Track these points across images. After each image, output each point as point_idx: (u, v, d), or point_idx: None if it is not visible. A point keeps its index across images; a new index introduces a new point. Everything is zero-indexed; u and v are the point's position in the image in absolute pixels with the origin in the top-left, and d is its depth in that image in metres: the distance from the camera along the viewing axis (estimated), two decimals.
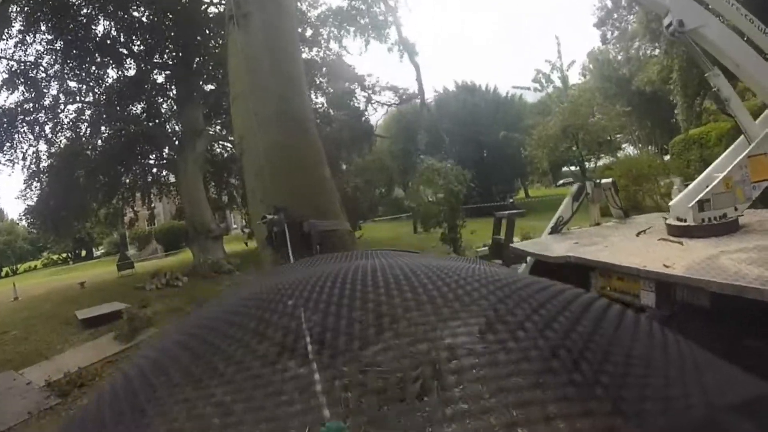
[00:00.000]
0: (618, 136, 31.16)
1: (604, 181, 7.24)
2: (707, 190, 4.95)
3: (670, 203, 5.74)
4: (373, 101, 16.05)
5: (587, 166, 28.77)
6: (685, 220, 5.01)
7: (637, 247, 4.99)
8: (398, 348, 0.53)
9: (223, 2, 13.61)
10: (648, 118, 28.95)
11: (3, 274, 45.20)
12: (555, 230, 6.65)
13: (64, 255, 47.12)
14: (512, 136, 26.26)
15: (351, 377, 0.50)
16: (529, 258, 6.29)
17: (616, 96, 27.30)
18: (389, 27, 17.45)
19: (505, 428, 0.41)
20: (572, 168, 46.58)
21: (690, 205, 4.94)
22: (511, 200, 27.34)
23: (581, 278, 4.92)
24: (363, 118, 17.65)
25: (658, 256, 4.25)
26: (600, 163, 29.61)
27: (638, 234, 5.64)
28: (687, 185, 5.86)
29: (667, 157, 21.02)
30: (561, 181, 49.99)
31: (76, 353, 9.98)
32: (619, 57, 30.55)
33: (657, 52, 30.67)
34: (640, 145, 30.72)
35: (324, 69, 18.17)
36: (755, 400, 0.47)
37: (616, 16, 31.15)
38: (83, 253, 47.54)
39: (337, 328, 0.57)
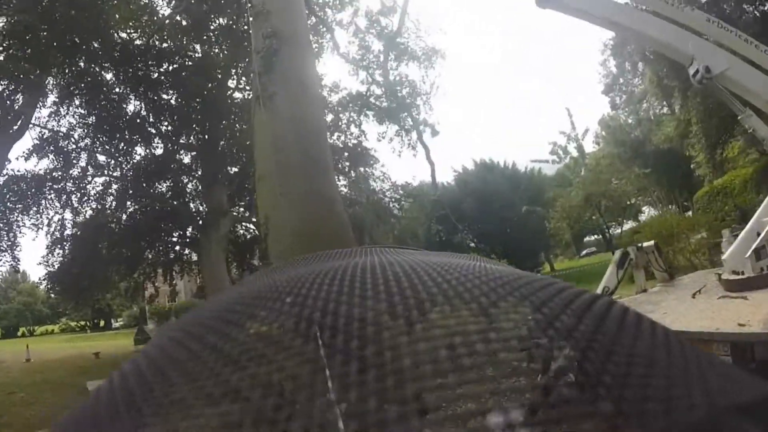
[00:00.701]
0: (639, 198, 30.79)
1: (646, 244, 6.80)
2: (761, 237, 4.64)
3: (723, 257, 5.37)
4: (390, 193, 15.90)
5: (611, 233, 28.31)
6: (743, 273, 4.63)
7: (700, 309, 4.55)
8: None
9: (248, 88, 14.14)
10: (665, 178, 28.64)
11: (20, 334, 44.92)
12: None
13: (83, 323, 46.83)
14: (534, 210, 25.94)
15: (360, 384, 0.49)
16: None
17: (631, 159, 27.13)
18: (406, 112, 17.72)
19: (505, 428, 0.40)
20: (594, 237, 45.98)
21: (746, 256, 4.59)
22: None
23: None
24: (383, 201, 17.47)
25: (727, 315, 3.91)
26: (624, 228, 29.03)
27: (694, 295, 5.14)
28: (736, 236, 5.44)
29: (688, 213, 20.42)
30: (584, 251, 49.14)
31: None
32: (630, 120, 30.74)
33: (666, 110, 31.03)
34: (660, 205, 30.15)
35: (345, 153, 18.32)
36: (759, 402, 0.44)
37: (622, 80, 31.62)
38: (102, 323, 47.26)
39: (344, 328, 0.53)
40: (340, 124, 18.39)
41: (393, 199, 13.19)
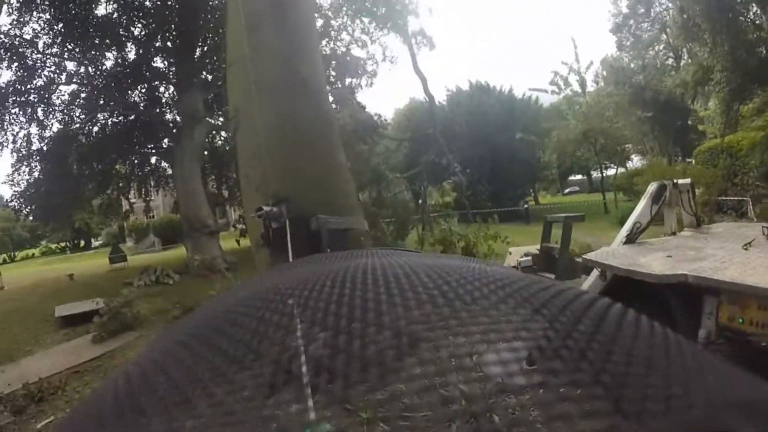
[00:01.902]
0: (628, 145, 29.87)
1: (681, 181, 5.79)
2: None
3: None
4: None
5: (602, 173, 27.48)
6: None
7: (763, 264, 3.60)
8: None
9: None
10: (660, 127, 27.62)
11: (0, 261, 43.88)
12: (631, 239, 5.20)
13: (62, 244, 45.73)
14: (528, 139, 24.55)
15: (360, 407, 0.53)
16: (596, 272, 4.88)
17: (629, 104, 25.91)
18: (406, 18, 15.87)
19: (507, 428, 0.43)
20: (579, 177, 45.45)
21: None
22: (525, 206, 25.72)
23: (690, 305, 3.55)
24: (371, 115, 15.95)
25: None
26: (608, 173, 28.33)
27: (745, 247, 4.23)
28: None
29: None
30: (568, 189, 48.73)
31: (44, 357, 8.48)
32: (632, 65, 29.19)
33: (671, 61, 29.55)
34: (650, 155, 29.29)
35: (333, 62, 16.66)
36: (757, 401, 0.45)
37: (632, 22, 29.84)
38: (81, 243, 46.15)
39: (345, 346, 0.52)
40: (329, 30, 16.54)
41: (377, 116, 11.95)
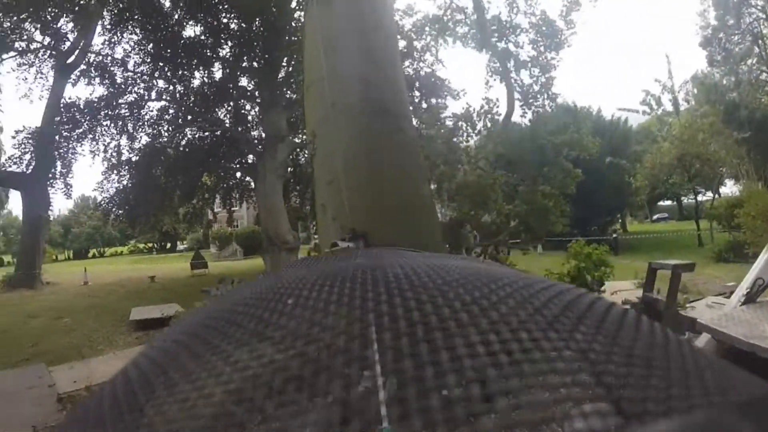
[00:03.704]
0: (722, 169, 27.08)
1: None
2: None
3: None
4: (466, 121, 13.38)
5: (696, 200, 24.83)
6: None
7: None
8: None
9: None
10: (756, 149, 24.60)
11: (90, 255, 47.63)
12: (751, 298, 4.23)
13: (150, 245, 48.81)
14: (619, 163, 22.60)
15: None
16: (706, 335, 4.00)
17: (723, 124, 23.31)
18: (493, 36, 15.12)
19: (506, 429, 0.41)
20: (668, 202, 41.84)
21: None
22: (614, 235, 23.70)
23: None
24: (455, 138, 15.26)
25: None
26: (700, 199, 25.59)
27: None
28: None
29: None
30: (656, 216, 45.11)
31: (113, 359, 8.49)
32: (725, 81, 26.41)
33: (765, 76, 26.40)
34: (744, 180, 26.16)
35: (417, 83, 16.19)
36: (756, 400, 0.45)
37: (722, 35, 27.08)
38: (168, 245, 49.01)
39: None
40: (413, 51, 16.14)
41: (464, 130, 11.28)
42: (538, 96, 14.93)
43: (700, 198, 26.66)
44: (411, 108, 12.58)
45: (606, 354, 0.46)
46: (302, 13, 15.39)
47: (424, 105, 15.51)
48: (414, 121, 10.69)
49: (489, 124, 11.55)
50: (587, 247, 9.52)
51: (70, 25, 16.13)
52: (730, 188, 28.87)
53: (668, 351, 0.49)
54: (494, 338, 0.47)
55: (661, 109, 24.52)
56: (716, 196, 25.43)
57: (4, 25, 15.15)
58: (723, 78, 26.71)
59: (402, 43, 15.05)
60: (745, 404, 0.43)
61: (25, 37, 16.06)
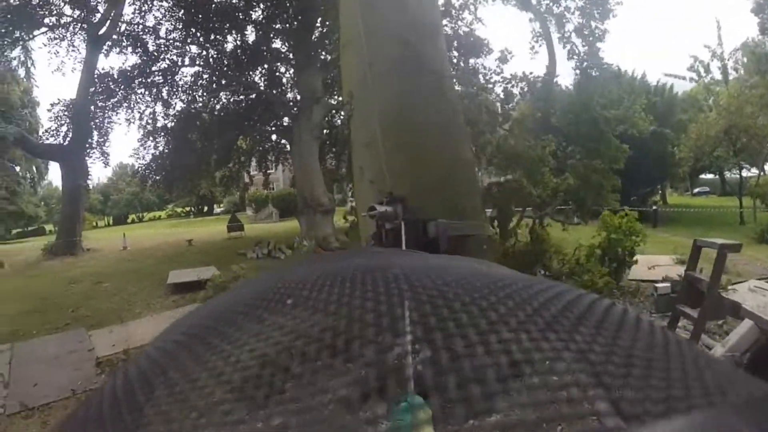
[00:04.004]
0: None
1: None
2: None
3: None
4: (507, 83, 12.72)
5: (740, 174, 23.40)
6: None
7: None
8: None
9: None
10: None
11: (129, 221, 49.37)
12: None
13: (187, 209, 50.19)
14: (663, 132, 21.34)
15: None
16: (749, 322, 3.80)
17: None
18: None
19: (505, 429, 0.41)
20: (710, 176, 39.74)
21: None
22: (654, 207, 22.73)
23: None
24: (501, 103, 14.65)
25: None
26: (745, 174, 24.08)
27: None
28: None
29: None
30: (697, 189, 43.01)
31: (151, 322, 8.79)
32: None
33: None
34: None
35: (455, 42, 15.51)
36: (756, 401, 0.45)
37: None
38: (205, 209, 50.32)
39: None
40: (450, 9, 15.46)
41: (505, 92, 10.83)
42: (584, 61, 14.07)
43: (744, 174, 25.06)
44: (450, 64, 12.12)
45: (605, 354, 0.46)
46: None
47: (462, 65, 14.91)
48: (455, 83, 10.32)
49: (534, 88, 11.06)
50: (616, 217, 9.21)
51: None
52: None
53: (668, 351, 0.49)
54: (493, 339, 0.47)
55: (710, 76, 22.80)
56: (762, 173, 23.86)
57: (33, 2, 15.23)
58: None
59: (441, 0, 14.41)
60: (745, 404, 0.43)
61: (55, 12, 16.15)
